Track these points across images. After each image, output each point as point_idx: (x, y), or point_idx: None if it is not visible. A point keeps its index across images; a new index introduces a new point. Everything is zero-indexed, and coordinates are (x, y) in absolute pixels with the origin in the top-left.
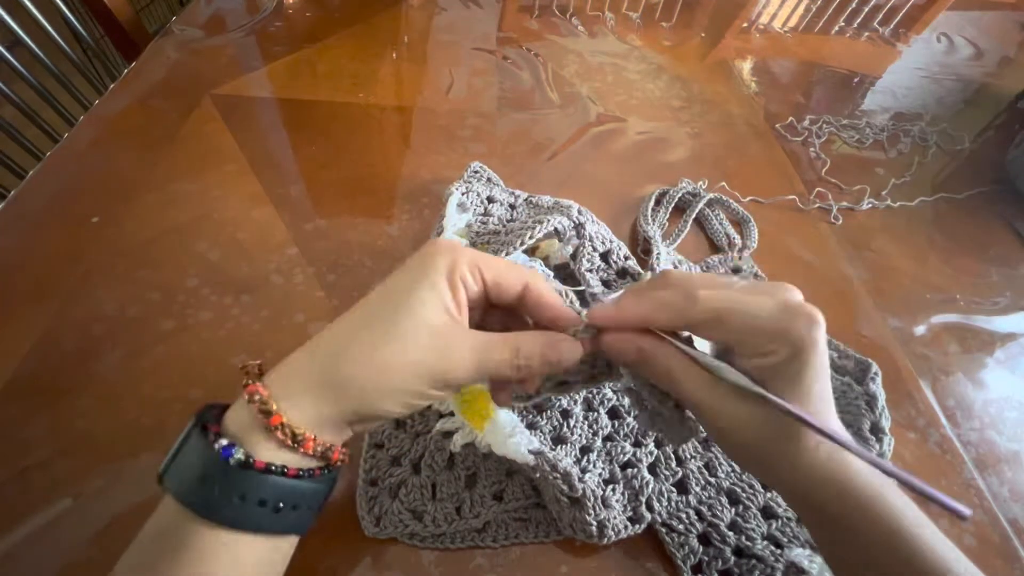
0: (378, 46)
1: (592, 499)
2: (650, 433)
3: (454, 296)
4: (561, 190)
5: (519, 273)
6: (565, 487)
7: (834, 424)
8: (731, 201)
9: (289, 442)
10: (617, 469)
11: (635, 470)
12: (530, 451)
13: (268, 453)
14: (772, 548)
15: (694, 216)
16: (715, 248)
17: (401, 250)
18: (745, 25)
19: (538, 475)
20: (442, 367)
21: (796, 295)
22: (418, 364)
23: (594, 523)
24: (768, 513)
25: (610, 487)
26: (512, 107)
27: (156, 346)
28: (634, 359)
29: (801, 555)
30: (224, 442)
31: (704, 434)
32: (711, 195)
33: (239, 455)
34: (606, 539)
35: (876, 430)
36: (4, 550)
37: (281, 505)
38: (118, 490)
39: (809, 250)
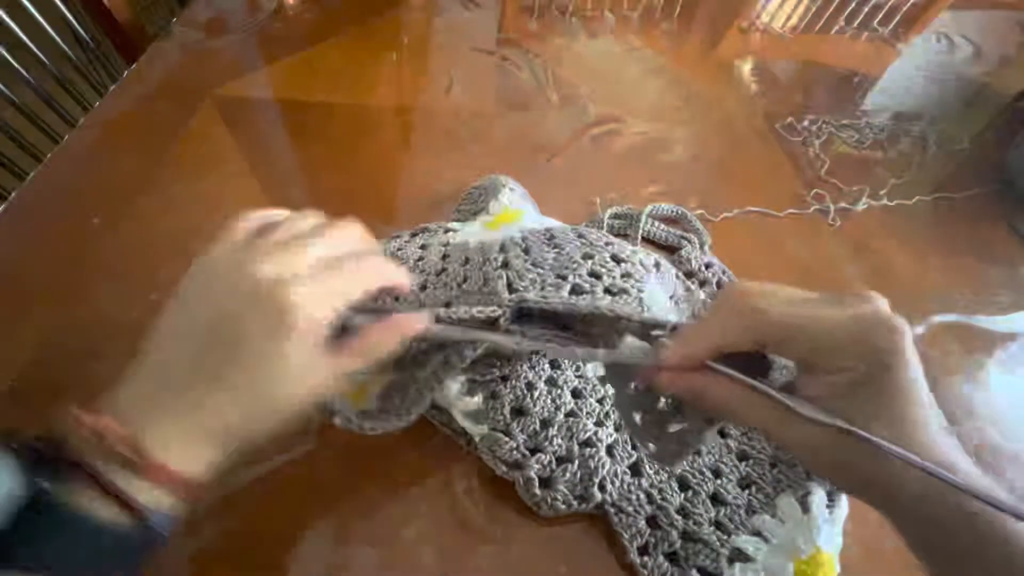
0: (378, 47)
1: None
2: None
3: (315, 336)
4: (561, 190)
5: (372, 280)
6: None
7: (939, 451)
8: (660, 204)
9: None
10: (575, 447)
11: (593, 449)
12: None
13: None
14: (719, 534)
15: (639, 236)
16: (672, 250)
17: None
18: (745, 25)
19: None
20: (311, 398)
21: (873, 305)
22: (292, 408)
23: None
24: (717, 500)
25: (562, 466)
26: (512, 108)
27: None
28: (691, 399)
29: (747, 542)
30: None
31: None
32: (636, 210)
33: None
34: (545, 513)
35: None
36: None
37: None
38: None
39: (808, 250)
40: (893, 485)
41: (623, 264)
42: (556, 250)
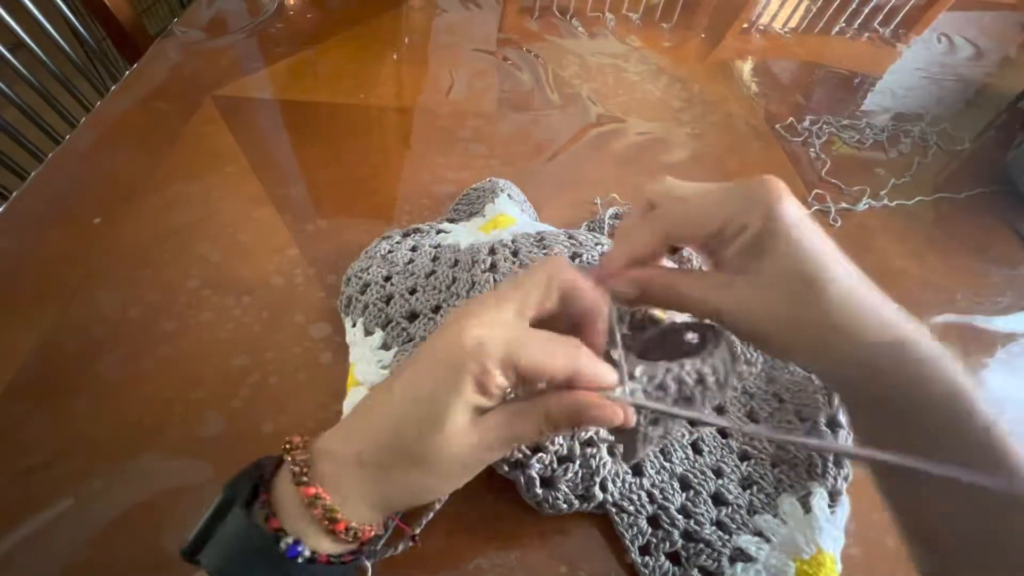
0: (379, 47)
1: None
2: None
3: (486, 397)
4: (562, 191)
5: (565, 359)
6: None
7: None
8: None
9: (350, 540)
10: (577, 446)
11: (595, 449)
12: None
13: (326, 546)
14: (720, 534)
15: None
16: (673, 250)
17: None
18: (745, 26)
19: None
20: (475, 460)
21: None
22: (453, 467)
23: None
24: (718, 500)
25: (563, 465)
26: (512, 108)
27: (157, 347)
28: (638, 293)
29: (749, 542)
30: (290, 540)
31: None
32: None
33: (307, 553)
34: (546, 512)
35: (832, 423)
36: (5, 550)
37: None
38: (119, 491)
39: None
40: (850, 360)
41: None
42: (545, 252)
